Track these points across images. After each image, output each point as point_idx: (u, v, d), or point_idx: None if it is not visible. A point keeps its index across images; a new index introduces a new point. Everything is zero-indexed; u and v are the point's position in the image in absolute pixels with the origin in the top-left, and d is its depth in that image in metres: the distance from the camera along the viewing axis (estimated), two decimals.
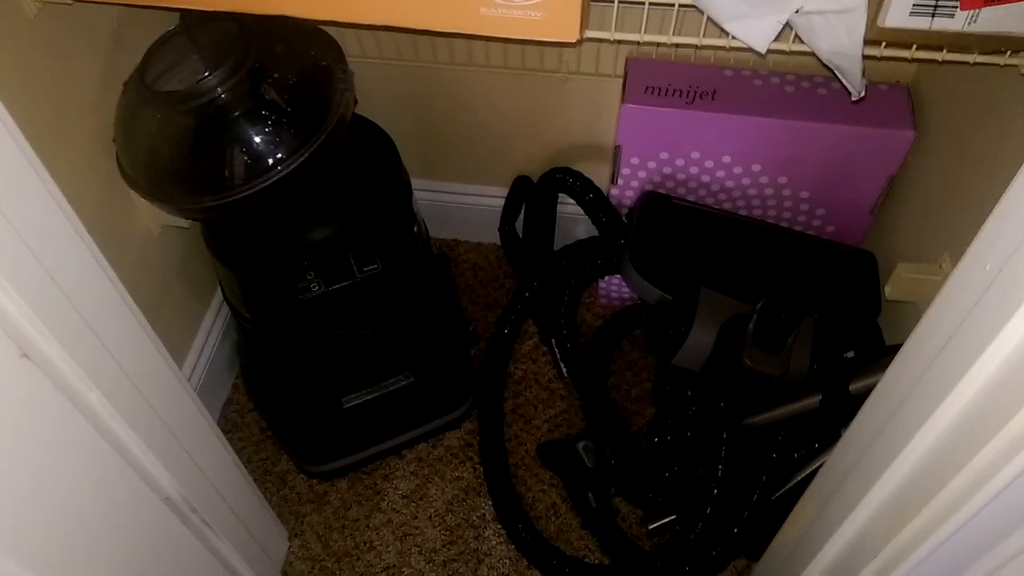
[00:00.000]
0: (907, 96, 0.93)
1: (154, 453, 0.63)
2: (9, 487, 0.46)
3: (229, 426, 1.10)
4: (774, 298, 0.83)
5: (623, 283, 1.16)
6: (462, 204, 1.22)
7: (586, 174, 1.08)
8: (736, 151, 0.96)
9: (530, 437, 1.08)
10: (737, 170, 0.97)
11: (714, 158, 0.97)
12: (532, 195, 1.14)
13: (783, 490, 0.87)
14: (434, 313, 1.01)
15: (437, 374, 1.01)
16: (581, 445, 1.00)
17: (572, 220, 1.15)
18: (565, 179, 1.08)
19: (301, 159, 0.78)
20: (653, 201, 0.99)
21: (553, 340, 1.12)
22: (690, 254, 0.95)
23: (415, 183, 0.93)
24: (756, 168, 0.97)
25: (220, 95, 0.75)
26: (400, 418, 1.03)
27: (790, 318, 0.83)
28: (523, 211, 1.17)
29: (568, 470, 1.01)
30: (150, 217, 0.90)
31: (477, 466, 1.05)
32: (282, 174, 0.76)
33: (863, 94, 0.67)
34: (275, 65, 0.79)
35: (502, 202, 1.18)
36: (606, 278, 1.15)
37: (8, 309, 0.45)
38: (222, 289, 0.98)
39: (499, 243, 1.22)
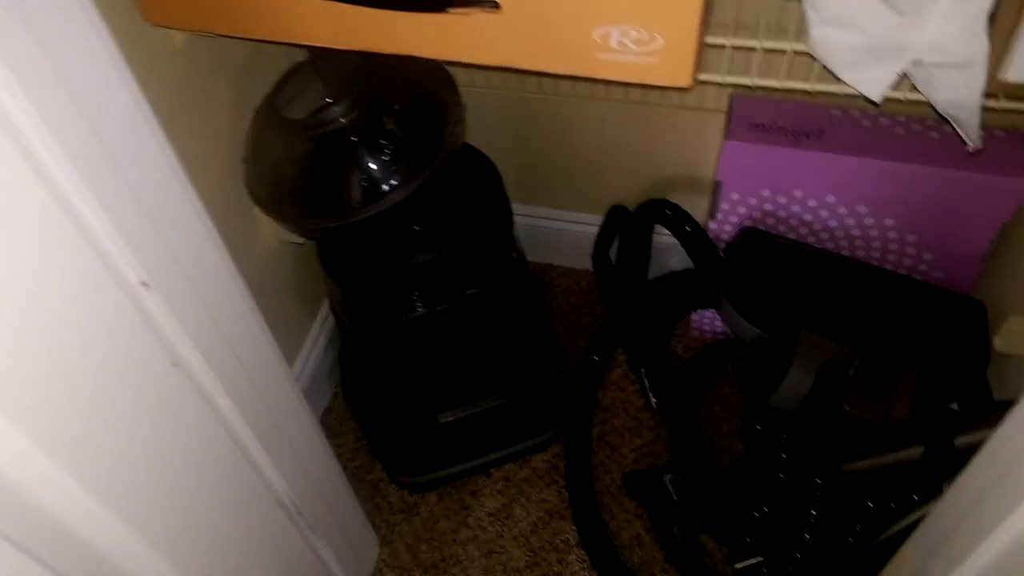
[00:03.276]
0: None
1: (271, 456, 0.67)
2: (157, 481, 0.51)
3: (328, 433, 1.14)
4: (878, 344, 0.82)
5: (716, 317, 1.15)
6: (558, 229, 1.25)
7: (683, 206, 1.08)
8: (841, 191, 0.95)
9: (616, 465, 1.08)
10: (841, 210, 0.96)
11: (818, 197, 0.96)
12: (628, 224, 1.15)
13: (877, 540, 0.85)
14: (529, 337, 1.03)
15: (528, 396, 1.03)
16: (668, 478, 1.01)
17: (666, 250, 1.15)
18: (663, 210, 1.09)
19: (414, 187, 0.82)
20: (752, 237, 0.99)
21: (643, 370, 1.13)
22: (789, 292, 0.95)
23: (514, 207, 0.96)
24: (862, 209, 0.95)
25: (342, 124, 0.80)
26: (490, 437, 1.05)
27: (894, 365, 0.81)
28: (618, 240, 1.19)
29: (654, 502, 1.01)
30: (271, 233, 0.96)
31: (562, 490, 1.07)
32: (395, 201, 0.80)
33: (981, 147, 0.66)
34: (394, 97, 0.84)
35: (596, 229, 1.20)
36: (699, 311, 1.15)
37: (161, 322, 0.49)
38: (330, 302, 1.03)
39: (592, 269, 1.23)
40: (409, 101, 0.85)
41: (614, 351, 1.16)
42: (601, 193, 1.18)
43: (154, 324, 0.49)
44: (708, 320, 1.17)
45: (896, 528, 0.82)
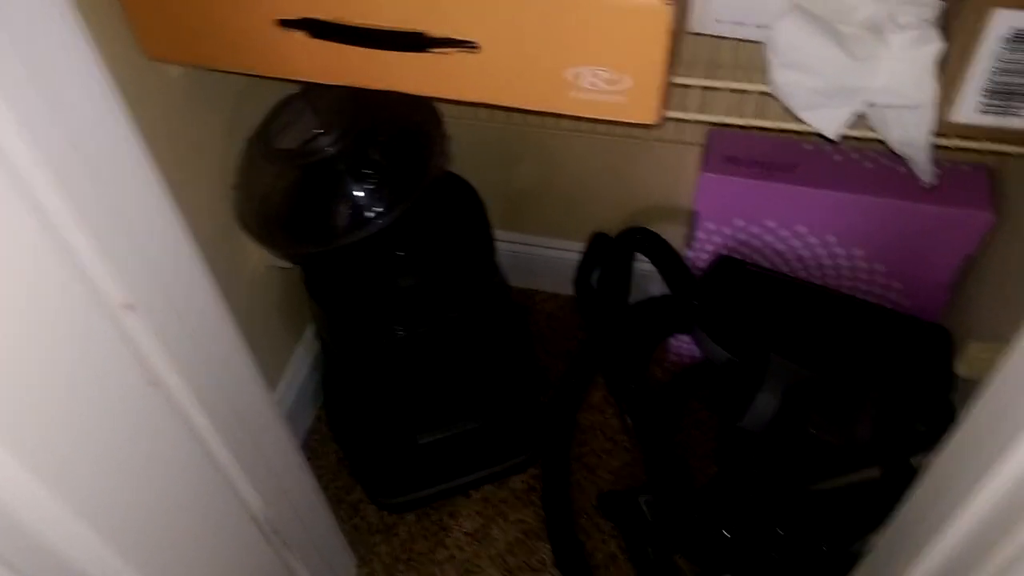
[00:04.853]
0: (987, 177, 0.94)
1: (247, 475, 0.69)
2: (133, 498, 0.53)
3: (309, 454, 1.16)
4: (842, 369, 0.85)
5: (692, 343, 1.18)
6: (542, 256, 1.28)
7: (662, 234, 1.12)
8: (812, 222, 0.98)
9: (593, 486, 1.11)
10: (812, 240, 1.00)
11: (789, 228, 0.99)
12: (609, 252, 1.18)
13: (844, 557, 0.88)
14: (509, 360, 1.06)
15: (507, 419, 1.06)
16: (643, 499, 1.03)
17: (646, 277, 1.18)
18: (642, 239, 1.12)
19: (397, 214, 0.85)
20: (726, 265, 1.02)
21: (621, 393, 1.15)
22: (760, 318, 0.98)
23: (497, 234, 0.99)
24: (831, 240, 0.99)
25: (329, 153, 0.83)
26: (469, 458, 1.08)
27: (857, 390, 0.84)
28: (599, 266, 1.22)
29: (628, 522, 1.03)
30: (258, 258, 0.99)
31: (539, 510, 1.09)
32: (378, 227, 0.83)
33: (934, 182, 0.70)
34: (381, 128, 0.87)
35: (579, 256, 1.23)
36: (677, 336, 1.18)
37: (142, 343, 0.52)
38: (315, 325, 1.05)
39: (574, 295, 1.26)
40: (395, 133, 0.89)
41: (594, 375, 1.19)
42: (583, 221, 1.21)
43: (134, 345, 0.51)
44: (686, 344, 1.20)
45: (860, 546, 0.85)
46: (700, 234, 1.04)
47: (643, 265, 1.16)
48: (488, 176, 1.06)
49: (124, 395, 0.51)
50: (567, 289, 1.26)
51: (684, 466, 1.08)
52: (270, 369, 1.08)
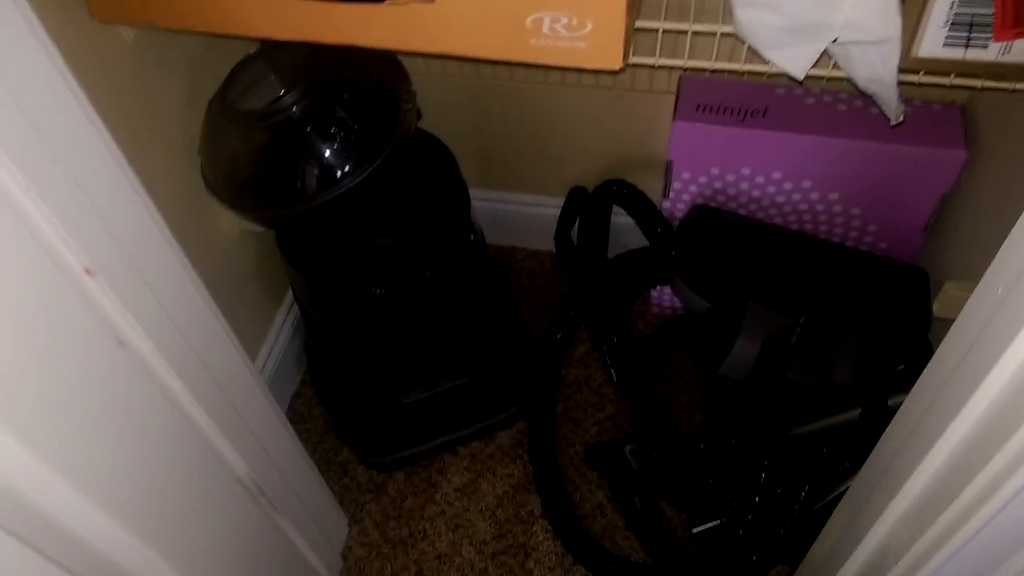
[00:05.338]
0: (960, 116, 0.93)
1: (227, 437, 0.69)
2: (116, 459, 0.53)
3: (296, 417, 1.17)
4: (818, 312, 0.85)
5: (673, 295, 1.18)
6: (520, 212, 1.27)
7: (639, 185, 1.11)
8: (786, 168, 0.98)
9: (579, 439, 1.12)
10: (788, 186, 0.99)
11: (764, 174, 0.99)
12: (587, 205, 1.18)
13: (825, 500, 0.89)
14: (490, 317, 1.06)
15: (491, 375, 1.06)
16: (628, 449, 1.04)
17: (625, 230, 1.18)
18: (619, 191, 1.11)
19: (366, 173, 0.84)
20: (703, 214, 1.01)
21: (604, 347, 1.16)
22: (738, 267, 0.98)
23: (474, 192, 0.98)
24: (806, 184, 0.99)
25: (294, 113, 0.82)
26: (455, 416, 1.08)
27: (833, 332, 0.85)
28: (578, 221, 1.21)
29: (615, 472, 1.04)
30: (229, 223, 0.98)
31: (527, 464, 1.10)
32: (347, 186, 0.82)
33: (901, 119, 0.69)
34: (345, 86, 0.86)
35: (558, 211, 1.23)
36: (658, 288, 1.18)
37: (104, 303, 0.51)
38: (293, 290, 1.05)
39: (554, 251, 1.26)
40: (360, 90, 0.87)
41: (577, 329, 1.19)
42: (560, 175, 1.20)
43: (98, 308, 0.51)
44: (668, 297, 1.20)
45: (841, 489, 0.86)
46: (676, 184, 1.04)
47: (621, 218, 1.16)
48: (461, 134, 1.05)
49: (94, 356, 0.51)
50: (549, 245, 1.26)
51: (668, 416, 1.09)
52: (250, 334, 1.08)
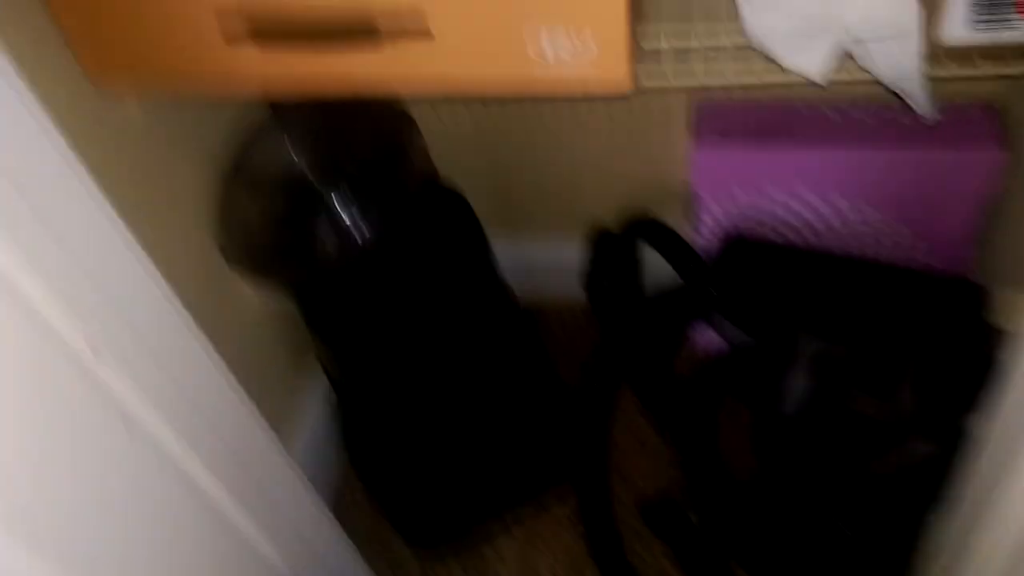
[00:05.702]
0: (995, 116, 0.89)
1: (260, 528, 0.65)
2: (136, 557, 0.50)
3: (343, 508, 1.11)
4: (873, 337, 0.80)
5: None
6: (541, 259, 1.24)
7: (664, 215, 1.07)
8: (816, 186, 0.94)
9: (630, 494, 1.05)
10: (819, 205, 0.95)
11: (794, 195, 0.95)
12: (615, 248, 1.14)
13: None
14: (526, 370, 1.02)
15: (536, 430, 1.01)
16: (686, 503, 0.97)
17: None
18: (647, 230, 1.07)
19: (383, 230, 0.82)
20: (737, 246, 0.98)
21: (649, 401, 1.10)
22: (781, 296, 0.93)
23: (493, 238, 0.96)
24: (839, 201, 0.94)
25: (308, 179, 0.81)
26: (504, 489, 1.03)
27: (893, 356, 0.79)
28: (607, 266, 1.17)
29: (675, 533, 0.98)
30: (253, 297, 0.96)
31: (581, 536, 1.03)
32: (366, 246, 0.80)
33: (934, 118, 0.65)
34: (356, 146, 0.85)
35: (579, 253, 1.18)
36: (697, 328, 1.14)
37: (114, 391, 0.49)
38: (323, 365, 1.02)
39: (583, 297, 1.22)
40: (371, 147, 0.86)
41: (617, 380, 1.14)
42: (577, 212, 1.17)
43: (105, 390, 0.48)
44: (709, 336, 1.15)
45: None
46: (704, 216, 1.00)
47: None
48: (473, 175, 1.02)
49: (105, 444, 0.48)
50: (576, 292, 1.22)
51: (724, 466, 1.03)
52: (283, 419, 1.05)
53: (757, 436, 1.00)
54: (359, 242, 0.81)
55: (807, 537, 0.89)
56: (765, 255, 0.97)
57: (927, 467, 0.78)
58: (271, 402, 1.01)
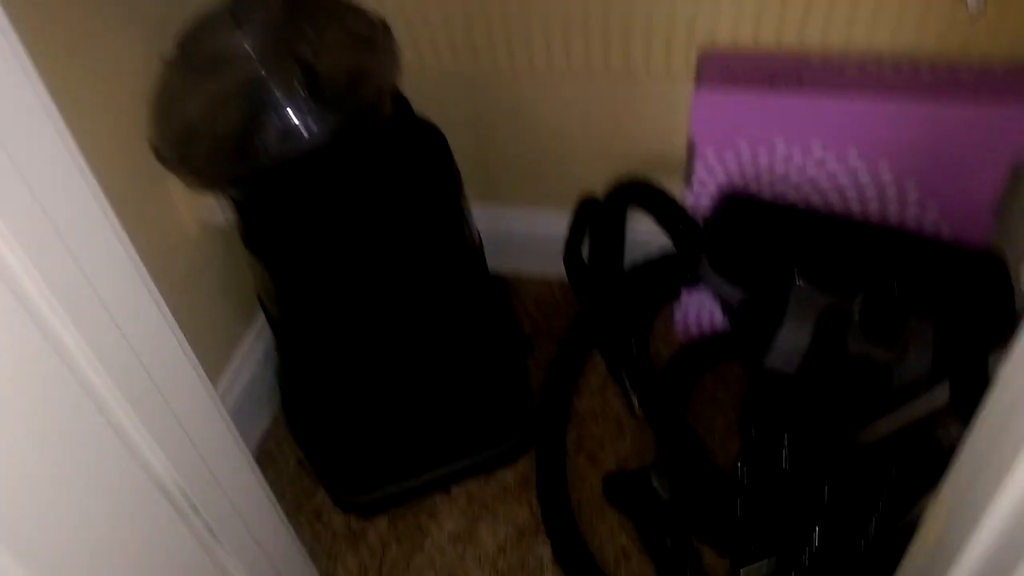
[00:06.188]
0: None
1: (167, 455, 0.54)
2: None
3: (265, 458, 1.01)
4: (884, 279, 0.70)
5: (700, 313, 1.04)
6: (523, 231, 1.14)
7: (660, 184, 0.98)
8: (829, 140, 0.85)
9: (596, 475, 0.94)
10: (831, 162, 0.86)
11: (803, 150, 0.86)
12: (598, 213, 1.04)
13: (899, 526, 0.71)
14: (486, 329, 0.91)
15: (487, 389, 0.90)
16: (655, 477, 0.86)
17: (641, 247, 1.04)
18: (635, 190, 0.98)
19: (335, 129, 0.72)
20: (734, 200, 0.88)
21: (623, 370, 1.00)
22: (778, 251, 0.84)
23: (476, 207, 0.88)
24: (853, 160, 0.85)
25: (258, 69, 0.71)
26: (447, 444, 0.92)
27: (904, 300, 0.69)
28: (589, 233, 1.08)
29: (640, 508, 0.87)
30: (188, 213, 0.85)
31: (535, 505, 0.92)
32: (315, 144, 0.70)
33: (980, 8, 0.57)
34: (319, 45, 0.75)
35: (565, 228, 1.09)
36: (684, 306, 1.04)
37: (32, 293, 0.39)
38: (259, 295, 0.91)
39: (564, 274, 1.12)
40: (335, 49, 0.77)
41: (590, 350, 1.04)
42: (568, 182, 1.08)
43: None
44: (694, 315, 1.05)
45: (920, 508, 0.69)
46: (700, 169, 0.91)
47: (637, 234, 1.03)
48: (459, 139, 0.92)
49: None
50: (557, 268, 1.12)
51: (700, 443, 0.92)
52: (213, 357, 0.94)
53: (746, 401, 0.89)
54: (306, 145, 0.71)
55: (787, 512, 0.79)
56: (763, 211, 0.87)
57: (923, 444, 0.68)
58: (200, 340, 0.89)
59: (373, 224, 0.78)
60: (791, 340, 0.73)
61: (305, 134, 0.70)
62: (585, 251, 1.09)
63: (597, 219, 1.05)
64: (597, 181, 1.05)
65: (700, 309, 1.03)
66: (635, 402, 0.98)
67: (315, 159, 0.73)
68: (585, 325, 1.03)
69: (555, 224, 1.11)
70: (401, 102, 0.84)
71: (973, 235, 0.87)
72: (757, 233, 0.84)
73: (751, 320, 0.79)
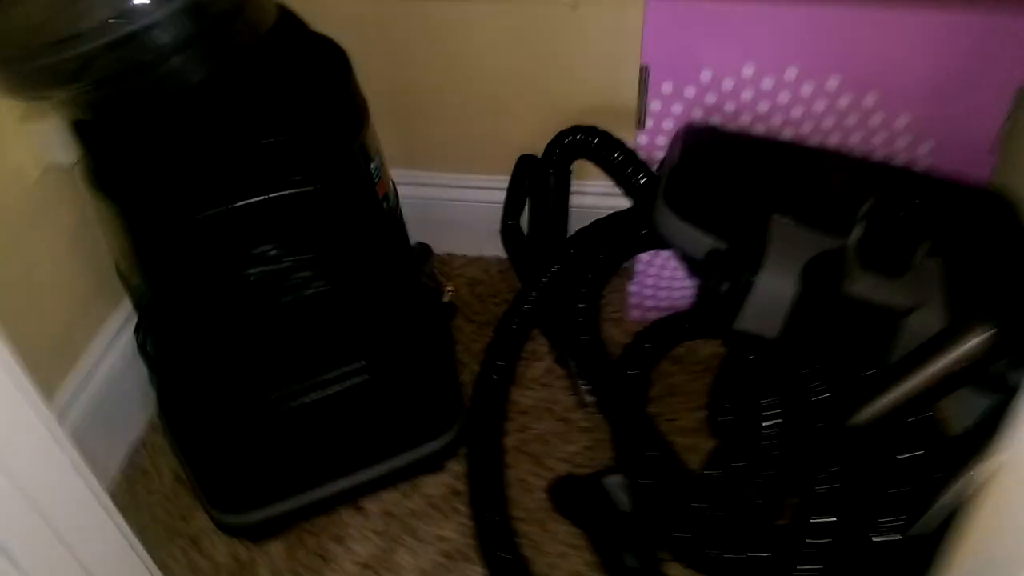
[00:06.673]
0: None
1: None
2: None
3: (136, 474, 0.82)
4: (889, 197, 0.56)
5: (659, 287, 0.89)
6: (455, 202, 0.99)
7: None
8: (805, 60, 0.71)
9: (541, 482, 0.77)
10: (807, 89, 0.72)
11: (775, 73, 0.72)
12: (538, 169, 0.89)
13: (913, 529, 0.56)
14: (402, 298, 0.75)
15: (406, 377, 0.73)
16: (612, 481, 0.70)
17: (591, 214, 0.89)
18: (577, 139, 0.83)
19: (202, 47, 0.56)
20: (694, 131, 0.74)
21: (570, 356, 0.85)
22: (749, 186, 0.69)
23: (398, 175, 0.74)
24: (833, 84, 0.72)
25: None
26: (356, 447, 0.74)
27: (913, 222, 0.55)
28: (528, 199, 0.93)
29: (595, 519, 0.70)
30: (23, 150, 0.68)
31: (466, 522, 0.75)
32: (149, 20, 0.53)
33: None
34: None
35: (503, 196, 0.94)
36: (640, 279, 0.88)
37: None
38: (116, 262, 0.73)
39: (502, 252, 0.96)
40: None
41: (529, 332, 0.88)
42: (503, 144, 0.93)
43: None
44: (651, 291, 0.90)
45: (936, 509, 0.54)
46: (654, 102, 0.76)
47: (584, 198, 0.88)
48: (376, 89, 0.76)
49: None
50: (494, 249, 0.96)
51: (662, 438, 0.76)
52: (61, 345, 0.76)
53: (723, 380, 0.74)
54: (164, 51, 0.55)
55: (769, 519, 0.63)
56: (733, 147, 0.73)
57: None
58: (53, 329, 0.72)
59: (250, 157, 0.62)
60: (773, 289, 0.58)
61: (142, 8, 0.54)
62: (525, 221, 0.94)
63: (536, 180, 0.90)
64: (538, 138, 0.90)
65: (658, 283, 0.88)
66: (585, 391, 0.82)
67: (171, 71, 0.57)
68: (525, 304, 0.86)
69: (490, 197, 0.95)
70: (288, 16, 0.68)
71: (971, 171, 0.74)
72: (724, 168, 0.70)
73: (722, 272, 0.63)
